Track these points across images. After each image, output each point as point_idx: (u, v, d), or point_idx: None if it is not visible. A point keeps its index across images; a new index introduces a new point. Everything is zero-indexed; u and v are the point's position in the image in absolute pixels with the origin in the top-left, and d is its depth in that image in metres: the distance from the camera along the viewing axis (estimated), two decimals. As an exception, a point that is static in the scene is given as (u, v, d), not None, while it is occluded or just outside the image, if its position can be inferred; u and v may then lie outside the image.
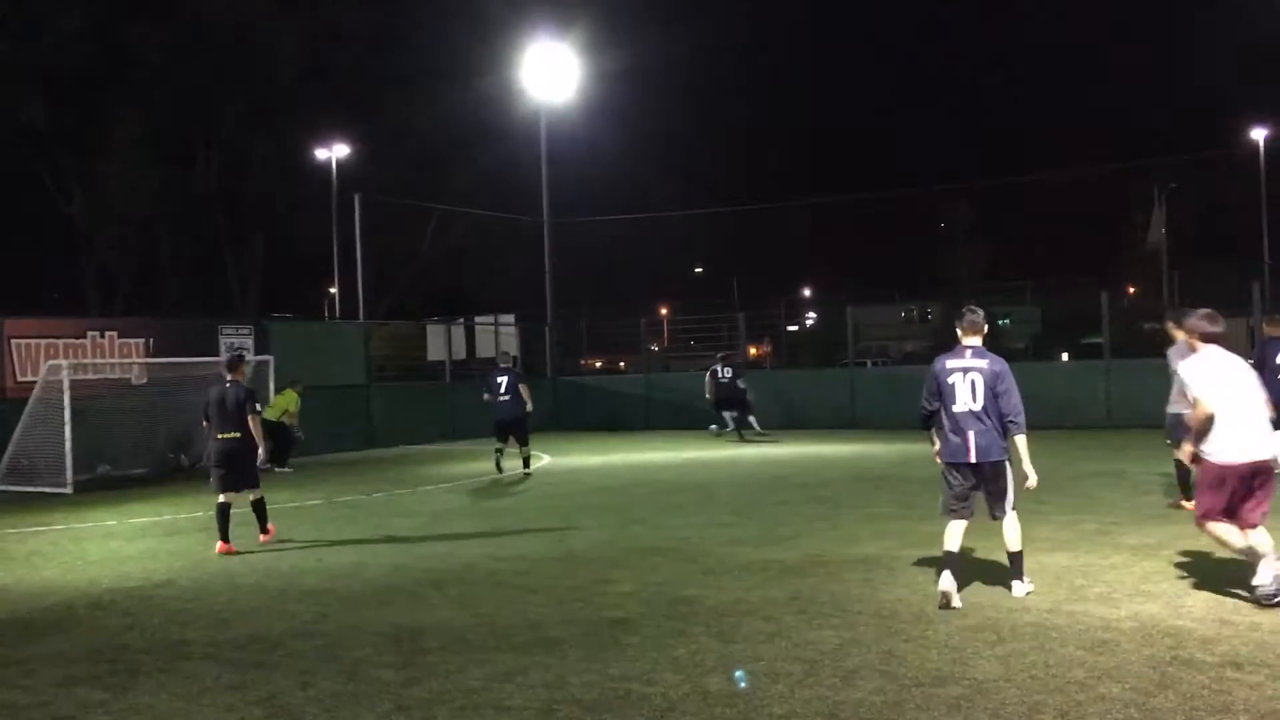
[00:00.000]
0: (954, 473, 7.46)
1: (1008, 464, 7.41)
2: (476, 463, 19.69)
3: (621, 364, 42.43)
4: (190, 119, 39.66)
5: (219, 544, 10.47)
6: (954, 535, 7.45)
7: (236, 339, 21.05)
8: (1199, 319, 7.32)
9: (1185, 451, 7.39)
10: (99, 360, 18.83)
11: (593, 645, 6.62)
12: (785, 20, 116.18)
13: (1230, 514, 7.10)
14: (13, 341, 18.16)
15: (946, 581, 7.25)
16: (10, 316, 18.66)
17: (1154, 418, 12.74)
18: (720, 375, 23.07)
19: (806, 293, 62.16)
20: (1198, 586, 7.50)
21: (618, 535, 10.86)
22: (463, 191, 40.78)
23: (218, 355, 19.79)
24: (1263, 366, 13.43)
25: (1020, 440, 7.39)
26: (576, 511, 12.77)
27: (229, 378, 10.89)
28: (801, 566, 8.80)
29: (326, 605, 8.04)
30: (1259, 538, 7.05)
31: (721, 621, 7.07)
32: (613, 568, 9.06)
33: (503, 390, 16.82)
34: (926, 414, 7.57)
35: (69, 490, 16.22)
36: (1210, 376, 7.10)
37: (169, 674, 6.38)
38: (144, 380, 19.19)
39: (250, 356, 19.08)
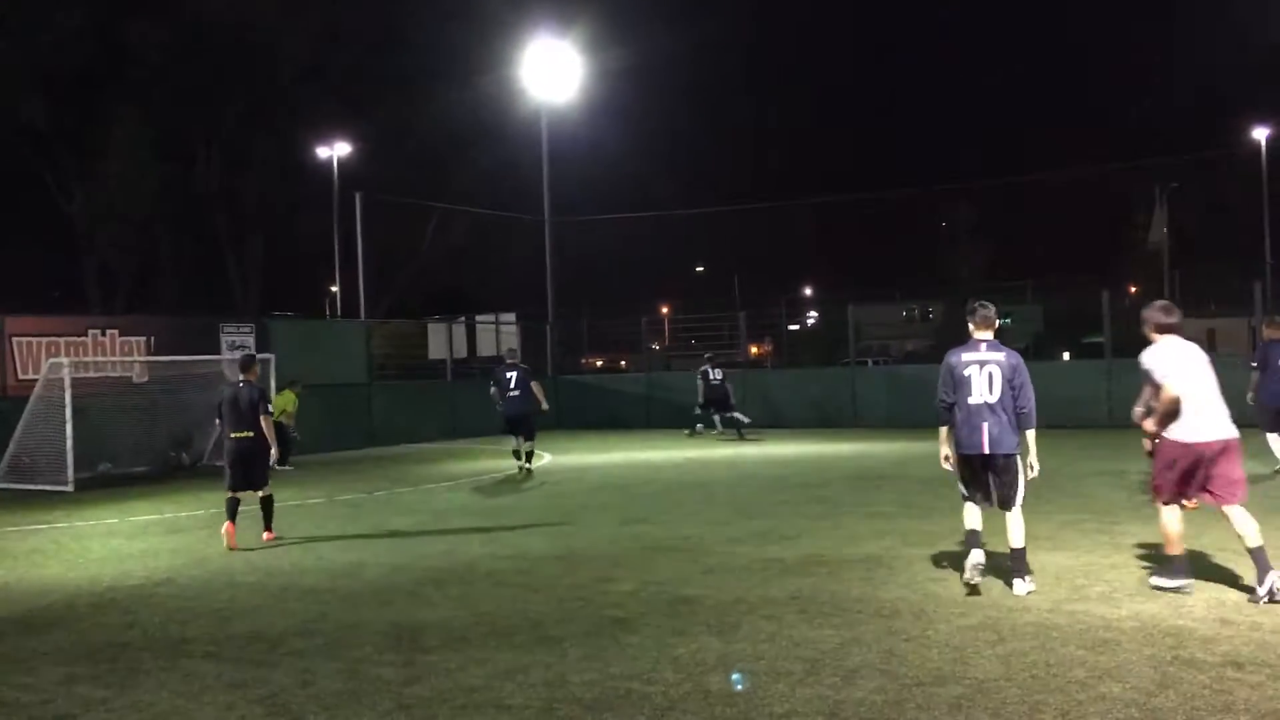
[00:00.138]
0: (966, 465, 7.61)
1: (1019, 458, 7.55)
2: (477, 461, 19.70)
3: (622, 363, 42.45)
4: (190, 118, 39.63)
5: (226, 523, 10.63)
6: (973, 515, 7.66)
7: (237, 337, 21.04)
8: (1155, 310, 7.58)
9: (1146, 425, 7.47)
10: (100, 358, 18.85)
11: (593, 644, 6.62)
12: (786, 20, 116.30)
13: (1189, 492, 7.27)
14: (14, 339, 18.18)
15: (977, 557, 7.45)
16: (11, 314, 18.68)
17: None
18: (711, 377, 23.05)
19: (808, 292, 62.22)
20: (1198, 586, 7.50)
21: (618, 534, 10.87)
22: (463, 190, 40.76)
23: (219, 354, 19.87)
24: (1265, 367, 13.51)
25: (1029, 434, 7.56)
26: (577, 510, 12.77)
27: (242, 378, 10.99)
28: (802, 565, 8.80)
29: (327, 603, 8.05)
30: (1240, 521, 7.14)
31: (722, 620, 7.06)
32: (613, 566, 9.06)
33: (512, 386, 16.83)
34: (946, 406, 7.67)
35: (70, 488, 16.23)
36: (1171, 362, 7.29)
37: (170, 672, 6.38)
38: (145, 378, 19.21)
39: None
